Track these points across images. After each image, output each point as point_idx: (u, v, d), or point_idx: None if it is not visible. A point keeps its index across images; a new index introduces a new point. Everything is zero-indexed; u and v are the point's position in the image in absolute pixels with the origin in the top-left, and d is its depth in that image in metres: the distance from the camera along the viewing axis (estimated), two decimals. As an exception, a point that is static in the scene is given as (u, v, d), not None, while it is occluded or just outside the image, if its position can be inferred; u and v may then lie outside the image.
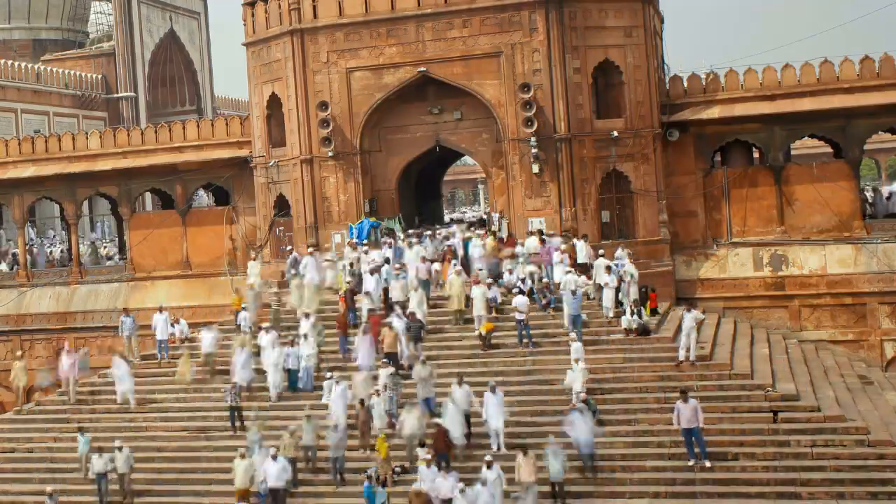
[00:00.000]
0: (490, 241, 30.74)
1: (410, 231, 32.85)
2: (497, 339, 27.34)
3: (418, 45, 32.62)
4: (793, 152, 38.02)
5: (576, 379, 24.12)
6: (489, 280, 28.34)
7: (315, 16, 33.50)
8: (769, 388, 24.42)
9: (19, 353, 35.74)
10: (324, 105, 32.95)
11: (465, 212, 62.60)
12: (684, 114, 33.32)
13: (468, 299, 27.82)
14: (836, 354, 30.95)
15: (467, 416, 23.44)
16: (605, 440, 23.27)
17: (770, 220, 32.95)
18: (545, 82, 31.58)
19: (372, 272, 29.13)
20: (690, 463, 22.30)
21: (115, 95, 68.04)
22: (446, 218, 46.12)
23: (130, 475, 24.36)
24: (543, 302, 28.16)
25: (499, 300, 28.26)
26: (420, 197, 38.31)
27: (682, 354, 25.58)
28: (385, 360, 25.55)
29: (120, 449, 24.28)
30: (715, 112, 33.13)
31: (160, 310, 30.93)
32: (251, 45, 35.56)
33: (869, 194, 38.44)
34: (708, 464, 22.19)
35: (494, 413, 23.24)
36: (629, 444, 23.30)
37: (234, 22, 39.20)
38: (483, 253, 29.97)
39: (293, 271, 31.08)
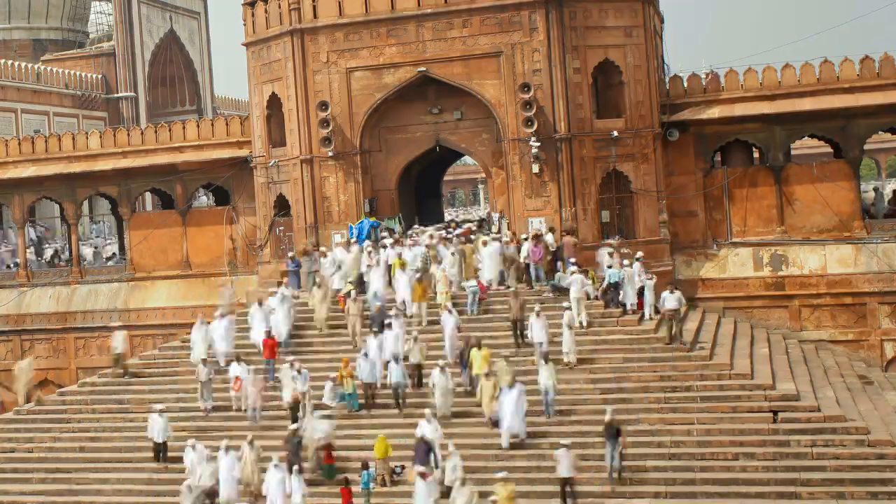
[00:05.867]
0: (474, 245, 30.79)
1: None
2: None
3: (418, 45, 32.60)
4: (793, 152, 38.00)
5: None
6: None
7: (315, 16, 33.48)
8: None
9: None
10: (324, 105, 32.93)
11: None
12: (684, 114, 33.32)
13: None
14: (836, 354, 30.95)
15: None
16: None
17: (770, 220, 32.96)
18: (545, 82, 31.57)
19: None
20: None
21: (115, 95, 67.91)
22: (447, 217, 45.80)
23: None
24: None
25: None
26: (420, 197, 38.30)
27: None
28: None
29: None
30: (715, 112, 33.12)
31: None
32: (251, 45, 35.54)
33: (886, 191, 37.90)
34: None
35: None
36: (629, 444, 23.22)
37: (234, 22, 39.24)
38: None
39: None
